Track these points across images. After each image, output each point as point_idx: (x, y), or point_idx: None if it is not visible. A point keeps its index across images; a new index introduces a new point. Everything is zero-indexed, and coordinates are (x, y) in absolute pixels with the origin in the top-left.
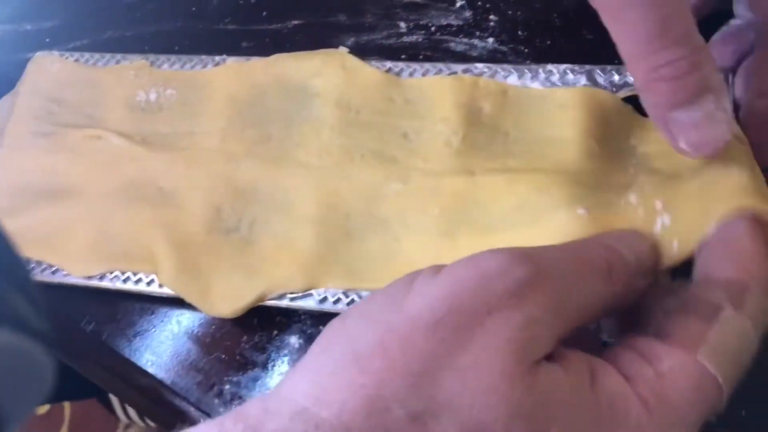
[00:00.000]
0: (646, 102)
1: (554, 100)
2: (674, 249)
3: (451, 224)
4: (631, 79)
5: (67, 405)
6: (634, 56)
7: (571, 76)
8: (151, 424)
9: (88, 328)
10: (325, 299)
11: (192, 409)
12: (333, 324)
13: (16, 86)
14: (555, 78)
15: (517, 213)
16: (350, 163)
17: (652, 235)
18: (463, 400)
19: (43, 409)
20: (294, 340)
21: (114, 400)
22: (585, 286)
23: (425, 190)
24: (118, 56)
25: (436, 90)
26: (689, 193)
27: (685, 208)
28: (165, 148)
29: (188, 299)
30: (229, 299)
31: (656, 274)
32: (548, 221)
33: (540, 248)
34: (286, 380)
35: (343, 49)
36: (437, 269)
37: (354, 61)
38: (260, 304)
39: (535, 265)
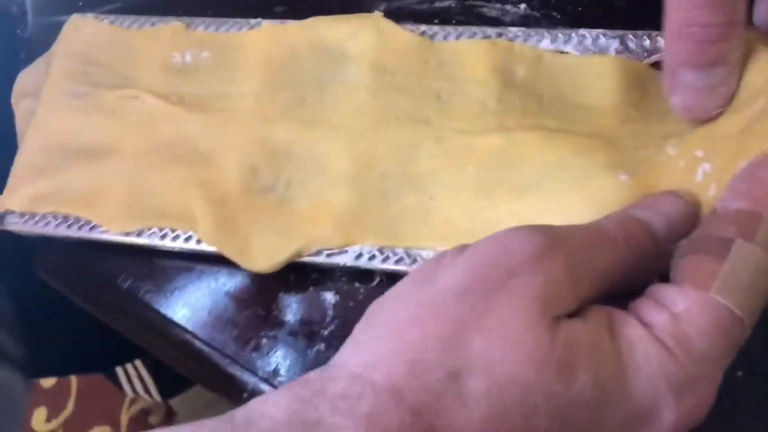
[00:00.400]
0: (666, 50)
1: (590, 68)
2: (711, 194)
3: (486, 183)
4: (662, 43)
5: (73, 379)
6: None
7: (603, 40)
8: (158, 398)
9: (124, 285)
10: (360, 255)
11: (230, 363)
12: (372, 307)
13: (51, 48)
14: (588, 42)
15: (555, 173)
16: (385, 124)
17: (693, 187)
18: (493, 356)
19: (50, 382)
20: (330, 296)
21: (121, 374)
22: (600, 252)
23: (459, 148)
24: (153, 19)
25: (471, 53)
26: (729, 136)
27: (724, 152)
28: (201, 109)
29: (227, 254)
30: (267, 255)
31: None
32: (589, 186)
33: (554, 225)
34: (343, 350)
35: (378, 13)
36: (461, 249)
37: (389, 25)
38: (297, 260)
39: (550, 235)
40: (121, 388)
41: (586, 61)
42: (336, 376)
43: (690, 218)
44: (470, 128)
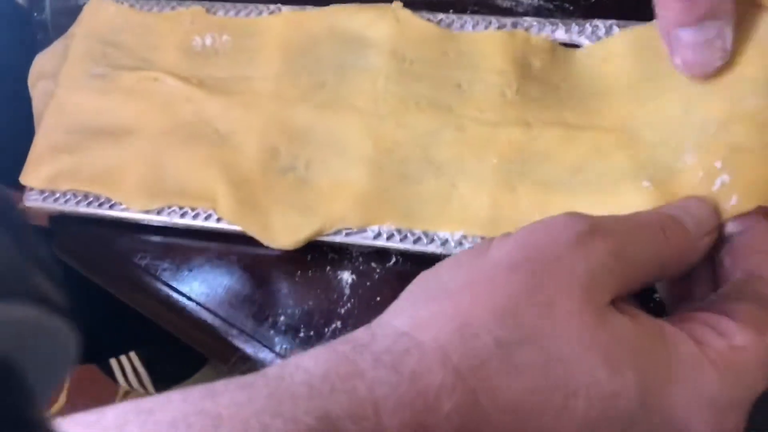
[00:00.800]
0: (657, 14)
1: (598, 55)
2: (732, 203)
3: (509, 175)
4: None
5: None
6: None
7: (616, 30)
8: (152, 391)
9: (142, 263)
10: (379, 235)
11: (247, 340)
12: (426, 272)
13: (69, 30)
14: (601, 33)
15: (579, 174)
16: (405, 110)
17: (711, 195)
18: (543, 331)
19: None
20: (347, 276)
21: (114, 365)
22: (640, 240)
23: (481, 138)
24: (173, 2)
25: (490, 44)
26: (748, 150)
27: (745, 169)
28: (221, 91)
29: (248, 231)
30: (288, 232)
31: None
32: (614, 191)
33: (596, 215)
34: (387, 313)
35: (397, 4)
36: (509, 234)
37: (408, 15)
38: (316, 239)
39: (593, 223)
40: (114, 380)
41: (594, 49)
42: (380, 334)
43: (714, 218)
44: (491, 119)
